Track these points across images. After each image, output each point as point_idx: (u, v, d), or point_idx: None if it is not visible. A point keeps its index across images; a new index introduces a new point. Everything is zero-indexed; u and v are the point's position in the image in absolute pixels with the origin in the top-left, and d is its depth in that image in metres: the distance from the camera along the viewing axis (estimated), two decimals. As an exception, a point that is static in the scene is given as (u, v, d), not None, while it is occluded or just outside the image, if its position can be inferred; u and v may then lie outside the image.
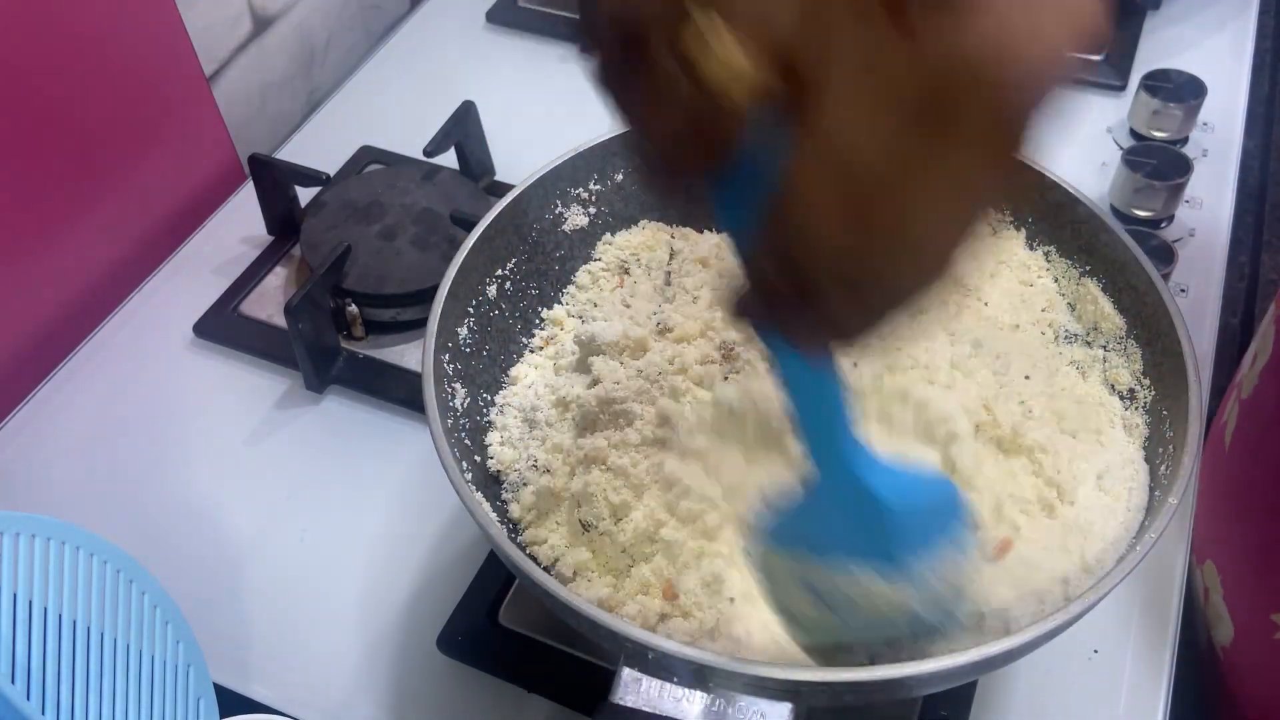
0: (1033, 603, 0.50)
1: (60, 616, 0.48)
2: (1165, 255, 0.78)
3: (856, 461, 0.40)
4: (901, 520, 0.41)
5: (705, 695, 0.44)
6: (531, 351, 0.66)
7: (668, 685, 0.45)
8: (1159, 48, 1.00)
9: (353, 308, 0.79)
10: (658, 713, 0.44)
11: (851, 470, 0.40)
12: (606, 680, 0.63)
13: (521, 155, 0.88)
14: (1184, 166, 0.82)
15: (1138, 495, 0.54)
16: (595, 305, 0.66)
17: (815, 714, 0.51)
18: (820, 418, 0.39)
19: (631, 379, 0.58)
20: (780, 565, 0.45)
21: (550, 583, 0.47)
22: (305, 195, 0.86)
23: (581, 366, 0.62)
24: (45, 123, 0.77)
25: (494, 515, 0.54)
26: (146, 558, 0.55)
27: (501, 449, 0.60)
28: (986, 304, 0.63)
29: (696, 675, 0.45)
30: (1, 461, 0.74)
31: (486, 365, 0.63)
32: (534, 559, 0.55)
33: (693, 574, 0.51)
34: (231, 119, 0.94)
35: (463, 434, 0.59)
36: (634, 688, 0.45)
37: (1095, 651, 0.63)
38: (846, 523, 0.41)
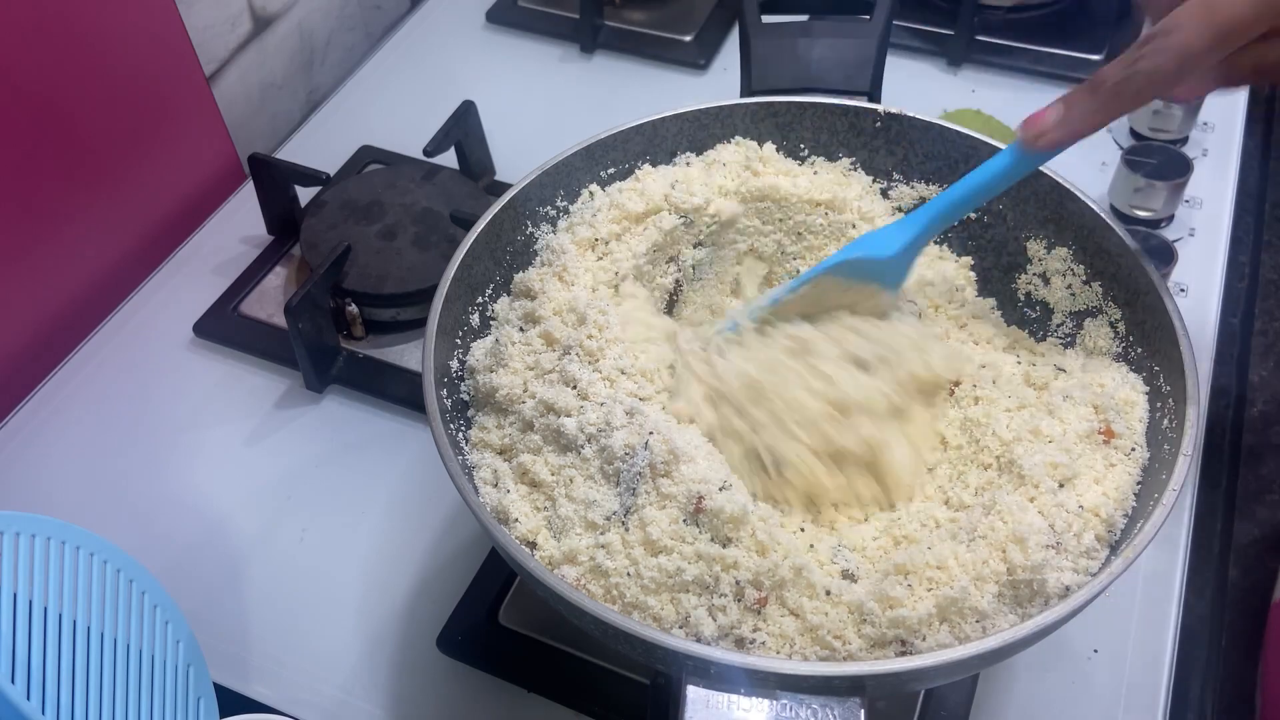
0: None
1: (60, 616, 0.48)
2: (1165, 255, 0.78)
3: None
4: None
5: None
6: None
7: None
8: (1159, 47, 0.99)
9: (353, 308, 0.79)
10: None
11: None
12: (606, 679, 0.63)
13: (521, 155, 0.88)
14: (1184, 166, 0.82)
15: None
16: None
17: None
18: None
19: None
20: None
21: (588, 602, 0.46)
22: (305, 195, 0.86)
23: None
24: (45, 122, 0.77)
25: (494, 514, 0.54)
26: (147, 558, 0.55)
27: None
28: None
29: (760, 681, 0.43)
30: (1, 461, 0.74)
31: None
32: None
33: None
34: (231, 119, 0.94)
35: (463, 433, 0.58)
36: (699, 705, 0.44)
37: (1095, 651, 0.63)
38: None
